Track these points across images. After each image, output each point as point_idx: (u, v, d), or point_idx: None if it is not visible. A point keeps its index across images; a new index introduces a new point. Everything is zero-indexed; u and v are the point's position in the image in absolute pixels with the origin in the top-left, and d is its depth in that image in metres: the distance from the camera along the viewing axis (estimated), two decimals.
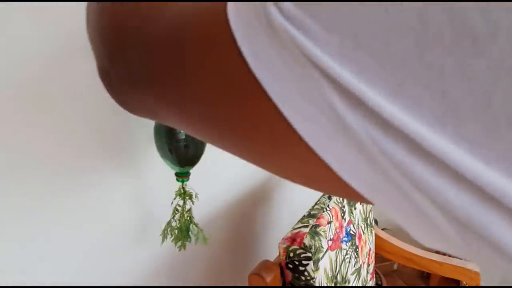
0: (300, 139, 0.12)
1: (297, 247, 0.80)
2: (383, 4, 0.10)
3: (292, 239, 0.82)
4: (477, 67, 0.09)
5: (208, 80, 0.15)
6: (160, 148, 0.63)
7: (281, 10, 0.12)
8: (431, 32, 0.09)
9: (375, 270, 1.23)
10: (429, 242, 0.13)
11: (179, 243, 0.68)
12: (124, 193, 0.66)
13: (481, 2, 0.08)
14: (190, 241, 0.68)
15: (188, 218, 0.68)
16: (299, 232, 0.84)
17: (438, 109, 0.10)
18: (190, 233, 0.68)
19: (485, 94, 0.09)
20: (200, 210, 0.85)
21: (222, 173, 0.90)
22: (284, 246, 0.81)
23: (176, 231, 0.67)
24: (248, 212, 1.06)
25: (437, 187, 0.10)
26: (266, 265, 0.79)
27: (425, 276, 1.80)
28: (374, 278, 1.20)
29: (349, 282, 0.96)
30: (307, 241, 0.80)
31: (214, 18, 0.14)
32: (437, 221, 0.11)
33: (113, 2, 0.24)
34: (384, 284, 1.30)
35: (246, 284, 0.77)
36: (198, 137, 0.19)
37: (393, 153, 0.10)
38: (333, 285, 0.87)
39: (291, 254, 0.80)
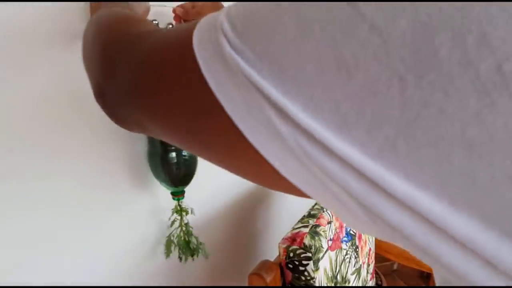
0: (252, 146, 0.15)
1: (297, 247, 0.80)
2: (291, 41, 0.13)
3: (292, 239, 0.83)
4: (352, 88, 0.12)
5: (179, 97, 0.18)
6: (155, 172, 0.68)
7: (228, 42, 0.15)
8: (323, 62, 0.12)
9: (375, 270, 1.23)
10: (355, 226, 0.15)
11: (183, 257, 0.73)
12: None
13: (349, 40, 0.12)
14: (193, 255, 0.73)
15: (186, 232, 0.72)
16: (299, 232, 0.84)
17: (336, 119, 0.13)
18: (190, 246, 0.73)
19: (361, 107, 0.12)
20: (201, 211, 0.85)
21: (222, 174, 0.90)
22: (284, 246, 0.82)
23: (178, 247, 0.72)
24: (248, 212, 1.06)
25: (344, 179, 0.13)
26: (266, 265, 0.79)
27: (425, 276, 1.80)
28: (374, 278, 1.20)
29: (349, 282, 0.96)
30: (307, 241, 0.80)
31: (183, 44, 0.17)
32: (351, 206, 0.13)
33: (107, 28, 0.28)
34: (384, 284, 1.30)
35: (246, 284, 0.77)
36: (180, 147, 0.22)
37: (312, 154, 0.13)
38: (333, 285, 0.87)
39: (291, 254, 0.80)
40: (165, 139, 0.23)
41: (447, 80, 0.10)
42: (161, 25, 0.64)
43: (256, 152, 0.15)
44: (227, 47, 0.15)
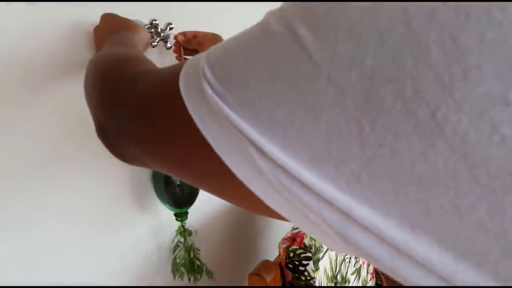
0: (240, 181, 0.16)
1: (297, 247, 0.80)
2: (264, 88, 0.15)
3: (292, 239, 0.83)
4: (319, 129, 0.13)
5: (173, 138, 0.20)
6: (158, 194, 0.69)
7: (210, 86, 0.16)
8: (292, 107, 0.14)
9: (375, 270, 1.23)
10: (337, 249, 0.17)
11: (192, 278, 0.73)
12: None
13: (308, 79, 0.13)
14: (200, 277, 0.74)
15: (193, 254, 0.73)
16: (299, 232, 0.84)
17: (308, 156, 0.14)
18: (197, 267, 0.74)
19: (328, 146, 0.13)
20: (200, 210, 0.85)
21: None
22: (284, 246, 0.82)
23: (182, 268, 0.73)
24: (248, 212, 1.06)
25: (319, 210, 0.14)
26: (266, 265, 0.79)
27: None
28: (374, 278, 1.20)
29: (349, 282, 0.96)
30: (307, 241, 0.80)
31: (172, 90, 0.19)
32: (330, 234, 0.15)
33: (105, 68, 0.30)
34: (384, 284, 1.30)
35: (246, 284, 0.77)
36: (176, 177, 0.24)
37: (291, 188, 0.14)
38: (333, 285, 0.87)
39: (291, 254, 0.80)
40: (166, 173, 0.24)
41: (394, 124, 0.12)
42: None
43: (244, 186, 0.17)
44: (209, 91, 0.16)
